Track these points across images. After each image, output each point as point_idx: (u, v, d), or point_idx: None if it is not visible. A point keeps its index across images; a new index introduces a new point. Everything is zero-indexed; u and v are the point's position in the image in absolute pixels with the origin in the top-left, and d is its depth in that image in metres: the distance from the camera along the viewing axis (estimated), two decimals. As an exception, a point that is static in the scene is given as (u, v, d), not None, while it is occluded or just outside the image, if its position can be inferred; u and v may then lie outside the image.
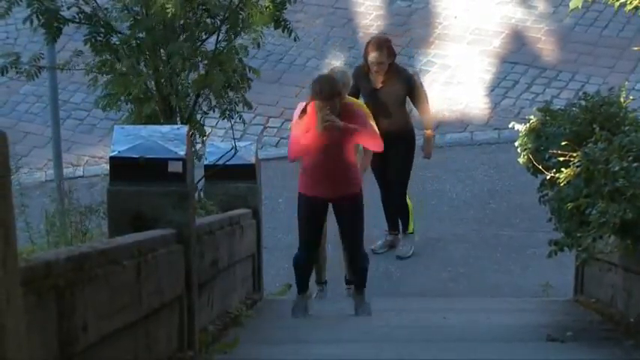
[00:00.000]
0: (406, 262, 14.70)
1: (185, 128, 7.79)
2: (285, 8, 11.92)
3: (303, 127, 10.67)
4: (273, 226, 14.36)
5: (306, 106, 10.79)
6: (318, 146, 10.52)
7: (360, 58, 19.58)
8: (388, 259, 14.50)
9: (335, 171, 10.63)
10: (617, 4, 7.18)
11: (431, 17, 20.96)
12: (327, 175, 10.62)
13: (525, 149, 10.39)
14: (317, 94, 10.56)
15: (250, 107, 12.54)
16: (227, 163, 11.20)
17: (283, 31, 12.04)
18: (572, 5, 7.33)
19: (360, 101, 12.98)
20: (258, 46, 12.07)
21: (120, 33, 11.83)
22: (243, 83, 12.04)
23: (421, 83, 14.78)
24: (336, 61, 19.57)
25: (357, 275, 11.22)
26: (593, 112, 9.63)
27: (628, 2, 7.06)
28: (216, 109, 12.12)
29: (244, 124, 12.52)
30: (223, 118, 12.27)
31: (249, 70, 12.15)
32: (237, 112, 12.15)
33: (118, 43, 11.81)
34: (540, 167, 9.61)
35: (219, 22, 11.86)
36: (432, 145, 14.45)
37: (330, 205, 10.99)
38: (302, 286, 11.06)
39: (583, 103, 9.98)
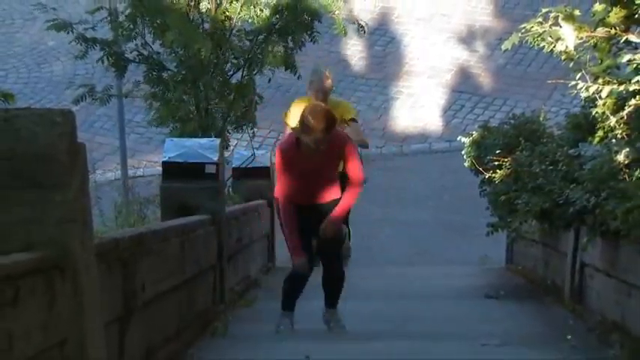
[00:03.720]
0: (382, 239, 14.67)
1: (218, 140, 7.79)
2: (294, 52, 11.96)
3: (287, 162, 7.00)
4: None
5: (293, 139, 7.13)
6: (302, 176, 7.00)
7: (348, 90, 19.57)
8: (369, 236, 14.47)
9: (317, 190, 7.12)
10: (538, 47, 7.16)
11: (400, 58, 20.94)
12: (310, 194, 7.07)
13: (469, 156, 10.38)
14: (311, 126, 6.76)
15: (255, 124, 12.52)
16: (248, 166, 11.20)
17: (291, 72, 12.07)
18: (504, 47, 7.30)
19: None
20: (269, 81, 12.13)
21: (169, 70, 11.83)
22: (251, 106, 12.11)
23: None
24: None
25: (332, 288, 7.41)
26: (519, 129, 9.62)
27: (546, 46, 7.04)
28: (235, 125, 12.18)
29: (254, 136, 12.55)
30: (237, 132, 12.36)
31: (257, 97, 12.22)
32: (251, 128, 12.20)
33: (167, 77, 11.83)
34: (481, 169, 9.61)
35: (242, 62, 11.88)
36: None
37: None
38: (291, 305, 7.39)
39: (512, 121, 9.97)
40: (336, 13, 11.72)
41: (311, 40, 11.89)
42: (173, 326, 5.81)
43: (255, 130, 12.23)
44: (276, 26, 11.56)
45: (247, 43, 11.81)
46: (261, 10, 11.50)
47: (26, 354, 2.97)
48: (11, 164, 3.23)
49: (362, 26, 12.26)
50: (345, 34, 12.13)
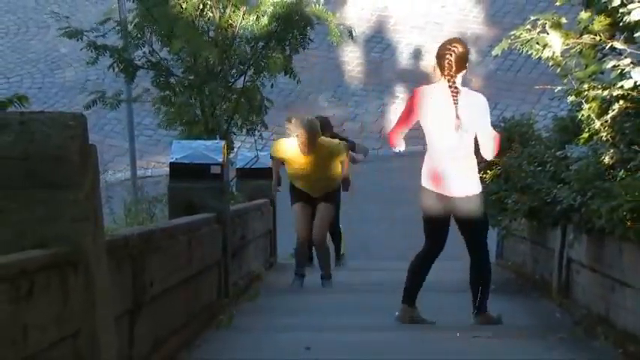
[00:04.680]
0: (377, 234, 14.68)
1: (223, 142, 7.79)
2: (292, 58, 11.97)
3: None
4: (284, 212, 14.36)
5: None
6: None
7: (346, 95, 19.59)
8: (366, 233, 14.49)
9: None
10: (527, 53, 7.18)
11: (395, 64, 20.97)
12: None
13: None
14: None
15: (266, 127, 12.54)
16: (252, 166, 11.20)
17: (290, 77, 12.08)
18: (494, 53, 7.31)
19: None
20: (272, 86, 12.14)
21: (176, 75, 11.84)
22: (261, 110, 12.10)
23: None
24: (327, 94, 19.59)
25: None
26: (509, 131, 9.62)
27: (534, 53, 7.05)
28: (244, 129, 12.18)
29: (262, 139, 12.56)
30: (248, 135, 12.36)
31: (266, 101, 12.20)
32: (258, 131, 12.19)
33: (174, 83, 11.84)
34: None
35: (246, 68, 11.90)
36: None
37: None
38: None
39: (503, 124, 9.98)
40: (329, 20, 11.73)
41: (301, 46, 11.90)
42: (180, 319, 5.81)
43: (262, 132, 12.24)
44: (275, 33, 11.57)
45: (248, 49, 11.83)
46: (260, 17, 11.50)
47: (41, 345, 2.98)
48: (26, 165, 3.24)
49: (351, 33, 12.27)
50: (339, 42, 12.15)
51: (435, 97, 6.73)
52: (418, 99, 6.83)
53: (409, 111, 6.93)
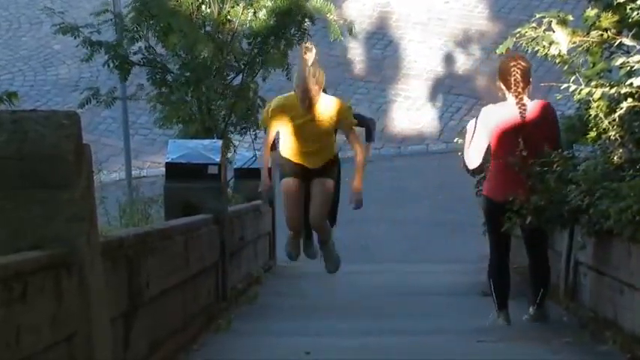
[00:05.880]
0: (379, 237, 14.67)
1: (220, 142, 7.80)
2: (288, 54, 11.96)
3: None
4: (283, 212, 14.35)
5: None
6: None
7: (347, 93, 19.55)
8: (367, 234, 14.48)
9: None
10: (533, 51, 7.19)
11: (398, 61, 20.96)
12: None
13: (466, 157, 10.35)
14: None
15: (258, 127, 12.53)
16: (250, 166, 11.21)
17: (285, 71, 12.08)
18: (498, 51, 7.33)
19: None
20: (264, 80, 12.13)
21: (172, 72, 11.84)
22: (254, 109, 12.12)
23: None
24: (329, 91, 19.60)
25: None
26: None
27: (540, 50, 7.07)
28: (239, 127, 12.18)
29: (256, 138, 12.57)
30: (243, 134, 12.35)
31: (259, 100, 12.21)
32: (253, 130, 12.20)
33: (170, 80, 11.84)
34: (477, 169, 9.57)
35: (242, 65, 11.90)
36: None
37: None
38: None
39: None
40: (329, 16, 11.71)
41: (298, 41, 11.88)
42: (177, 322, 5.82)
43: (257, 131, 12.23)
44: (273, 28, 11.56)
45: (246, 46, 11.82)
46: (258, 12, 11.50)
47: (35, 348, 2.99)
48: (20, 165, 3.24)
49: (351, 27, 12.24)
50: (341, 38, 12.13)
51: (503, 114, 6.89)
52: (486, 119, 6.98)
53: (481, 132, 7.02)
